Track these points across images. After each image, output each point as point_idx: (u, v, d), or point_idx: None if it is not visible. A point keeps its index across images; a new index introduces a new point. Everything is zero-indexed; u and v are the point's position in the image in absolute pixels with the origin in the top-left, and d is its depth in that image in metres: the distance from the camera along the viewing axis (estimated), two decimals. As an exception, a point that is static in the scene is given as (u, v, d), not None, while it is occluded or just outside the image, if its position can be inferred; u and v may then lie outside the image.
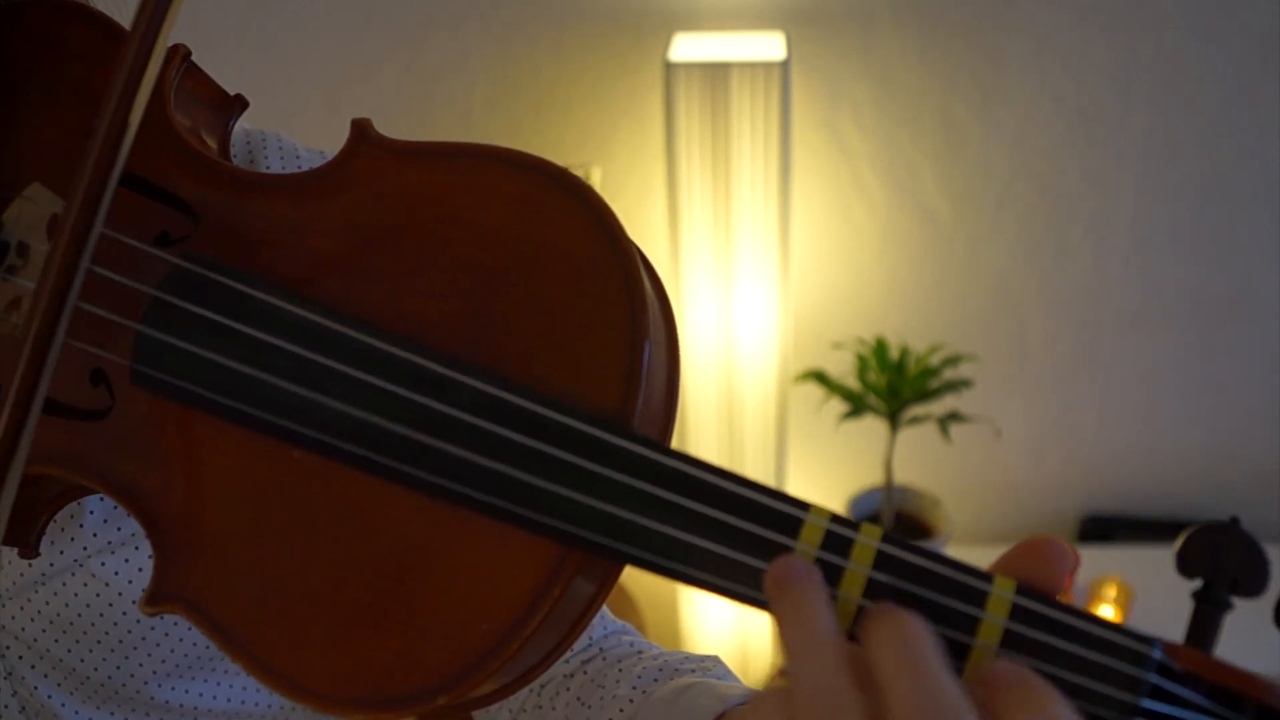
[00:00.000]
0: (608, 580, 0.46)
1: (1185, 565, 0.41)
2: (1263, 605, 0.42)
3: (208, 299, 0.47)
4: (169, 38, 0.47)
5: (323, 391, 0.45)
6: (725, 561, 0.41)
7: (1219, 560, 0.41)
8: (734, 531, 0.41)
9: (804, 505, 0.41)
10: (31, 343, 0.44)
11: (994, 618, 0.39)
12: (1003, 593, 0.39)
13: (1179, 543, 0.41)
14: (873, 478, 1.99)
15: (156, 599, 0.46)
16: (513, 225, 0.46)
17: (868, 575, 0.39)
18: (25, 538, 0.53)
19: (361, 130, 0.50)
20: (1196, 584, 0.41)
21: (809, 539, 0.40)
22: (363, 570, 0.44)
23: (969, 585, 0.39)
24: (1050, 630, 0.38)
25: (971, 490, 2.07)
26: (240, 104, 0.58)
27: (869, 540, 0.40)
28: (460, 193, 0.48)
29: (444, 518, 0.43)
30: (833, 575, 0.40)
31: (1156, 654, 0.38)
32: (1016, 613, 0.39)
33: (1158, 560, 1.94)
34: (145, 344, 0.47)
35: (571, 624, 0.45)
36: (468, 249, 0.47)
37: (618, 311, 0.44)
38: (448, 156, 0.49)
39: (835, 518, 0.40)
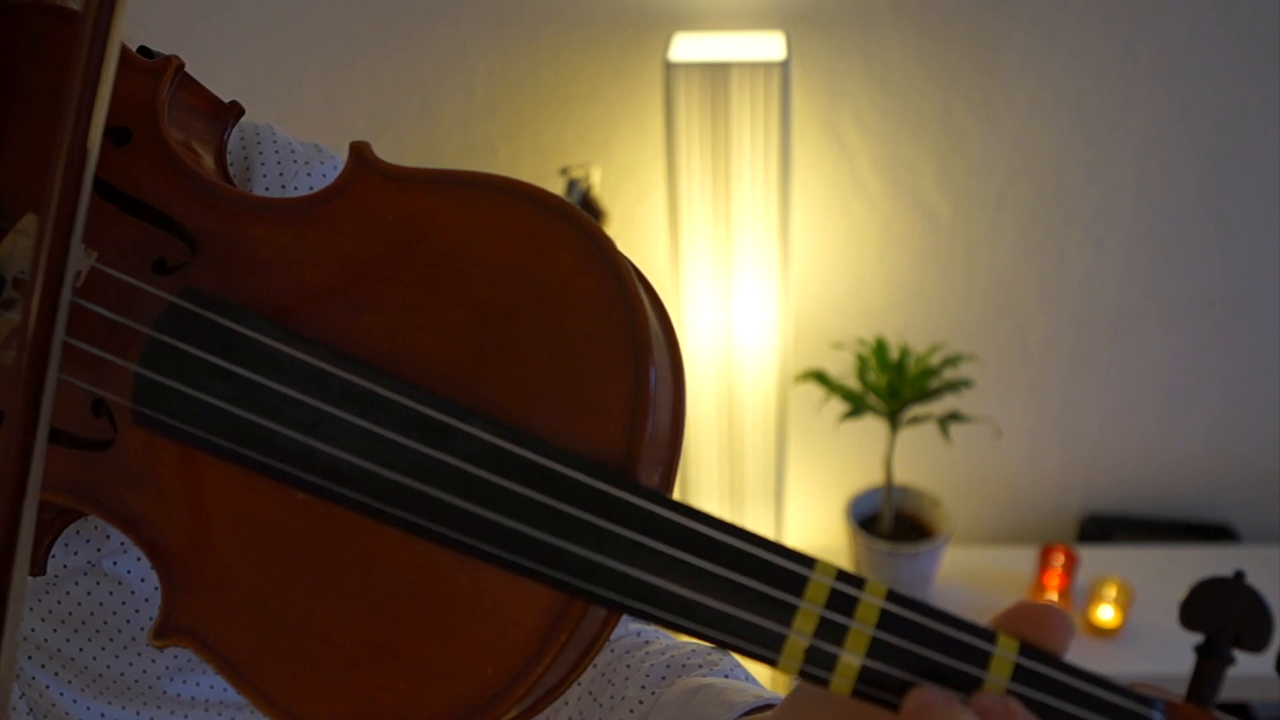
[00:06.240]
0: (613, 619, 0.45)
1: (1189, 619, 0.41)
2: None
3: (205, 340, 0.46)
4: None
5: (323, 438, 0.44)
6: (728, 618, 0.40)
7: (1222, 615, 0.41)
8: (738, 589, 0.40)
9: (809, 561, 0.40)
10: (25, 387, 0.43)
11: (997, 678, 0.39)
12: (1006, 653, 0.39)
13: (1183, 595, 0.41)
14: (873, 478, 1.99)
15: (164, 632, 0.46)
16: (513, 259, 0.45)
17: (871, 635, 0.39)
18: (33, 557, 0.52)
19: (360, 156, 0.49)
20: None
21: (813, 597, 0.40)
22: (368, 611, 0.44)
23: (973, 646, 0.39)
24: (1053, 692, 0.39)
25: (971, 490, 2.07)
26: (235, 111, 0.57)
27: (873, 599, 0.40)
28: (459, 225, 0.46)
29: (448, 562, 0.43)
30: (836, 634, 0.39)
31: (1157, 716, 0.38)
32: (1019, 674, 0.39)
33: (1158, 560, 1.95)
34: (144, 385, 0.47)
35: (577, 660, 0.45)
36: (467, 283, 0.46)
37: (621, 351, 0.43)
38: (446, 185, 0.47)
39: (841, 574, 0.40)
